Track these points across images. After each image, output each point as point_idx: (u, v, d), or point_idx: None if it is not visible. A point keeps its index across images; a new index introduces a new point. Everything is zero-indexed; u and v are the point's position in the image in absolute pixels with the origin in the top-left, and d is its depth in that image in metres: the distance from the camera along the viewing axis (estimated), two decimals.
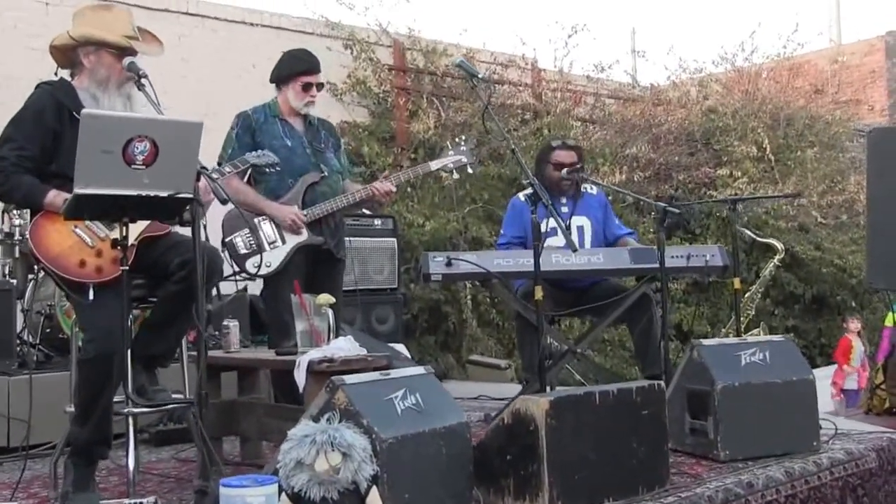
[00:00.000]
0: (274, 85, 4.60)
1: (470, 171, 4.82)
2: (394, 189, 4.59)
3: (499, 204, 8.20)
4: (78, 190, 2.63)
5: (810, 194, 9.33)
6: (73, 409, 3.32)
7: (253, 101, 4.62)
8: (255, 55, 7.45)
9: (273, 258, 4.33)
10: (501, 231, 5.09)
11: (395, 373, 2.95)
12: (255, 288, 6.07)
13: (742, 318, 5.37)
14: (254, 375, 4.12)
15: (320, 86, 4.56)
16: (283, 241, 4.37)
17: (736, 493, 3.25)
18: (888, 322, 7.54)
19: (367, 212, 6.75)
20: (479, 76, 4.01)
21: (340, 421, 2.65)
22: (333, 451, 2.55)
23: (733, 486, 3.28)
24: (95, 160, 2.60)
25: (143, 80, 3.20)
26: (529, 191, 3.90)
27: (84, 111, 2.69)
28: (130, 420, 3.41)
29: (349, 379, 2.76)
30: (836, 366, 8.57)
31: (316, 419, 2.70)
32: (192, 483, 3.69)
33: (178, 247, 3.28)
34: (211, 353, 3.87)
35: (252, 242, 4.34)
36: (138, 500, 2.97)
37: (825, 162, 10.04)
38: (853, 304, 9.89)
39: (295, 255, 4.37)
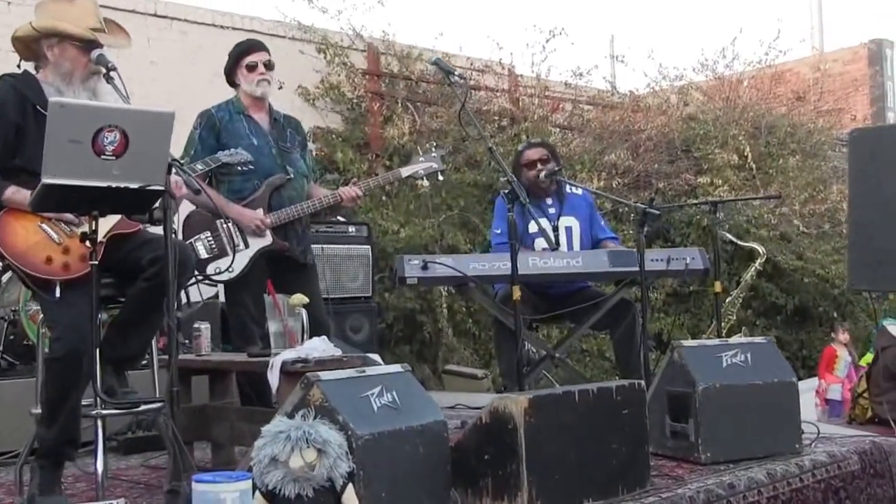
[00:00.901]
0: (234, 88, 4.63)
1: (440, 178, 4.88)
2: (361, 194, 4.62)
3: (474, 211, 8.26)
4: (45, 180, 2.65)
5: (792, 203, 9.44)
6: (39, 410, 3.33)
7: (212, 103, 4.62)
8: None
9: (235, 263, 4.32)
10: (496, 229, 5.12)
11: (371, 370, 2.98)
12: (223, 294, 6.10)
13: (723, 324, 5.43)
14: (225, 380, 4.13)
15: (268, 64, 4.56)
16: (246, 246, 4.37)
17: (717, 494, 3.29)
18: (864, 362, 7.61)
19: (341, 219, 6.78)
20: (455, 74, 4.06)
21: (315, 417, 2.67)
22: (308, 447, 2.57)
23: (715, 486, 3.32)
24: (63, 150, 2.62)
25: (111, 73, 3.22)
26: (507, 189, 3.95)
27: (52, 99, 2.72)
28: (99, 422, 3.41)
29: (325, 375, 2.79)
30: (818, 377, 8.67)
31: (290, 416, 2.72)
32: (163, 489, 3.72)
33: (149, 244, 3.30)
34: (182, 356, 3.89)
35: (213, 246, 4.34)
36: (110, 502, 2.97)
37: (807, 170, 10.17)
38: (836, 314, 10.00)
39: (258, 261, 4.38)
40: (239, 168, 4.05)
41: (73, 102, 2.83)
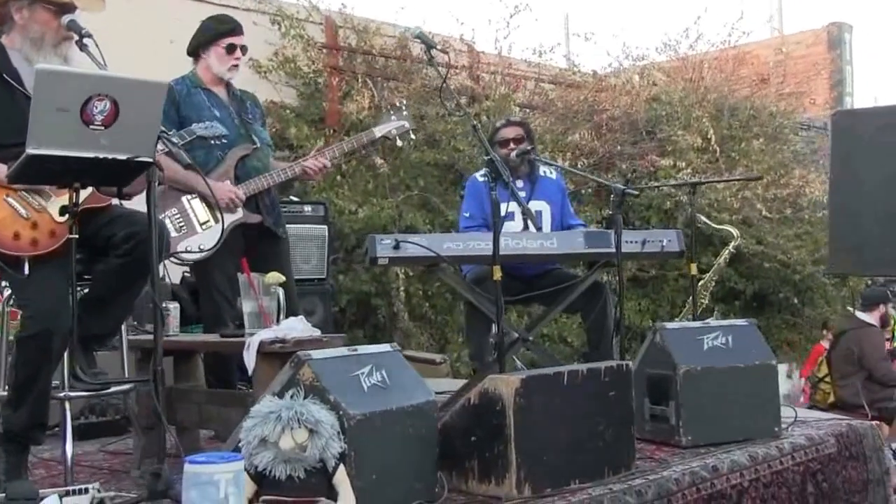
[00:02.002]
0: (192, 58, 4.60)
1: (412, 137, 4.88)
2: (328, 164, 4.64)
3: (434, 191, 8.30)
4: (31, 150, 2.62)
5: (755, 187, 9.61)
6: (5, 392, 3.31)
7: (171, 79, 4.59)
8: (173, 29, 7.36)
9: (206, 240, 4.31)
10: (465, 213, 5.15)
11: (361, 349, 3.02)
12: (177, 276, 6.06)
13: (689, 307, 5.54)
14: (192, 361, 4.12)
15: (244, 49, 4.57)
16: (217, 221, 4.35)
17: (702, 477, 3.41)
18: None
19: (295, 198, 6.78)
20: (438, 48, 4.08)
21: (306, 397, 2.71)
22: (300, 427, 2.61)
23: (699, 469, 3.44)
24: (50, 119, 2.61)
25: (85, 40, 3.20)
26: (485, 170, 3.99)
27: (39, 66, 2.70)
28: (67, 405, 3.40)
29: (315, 354, 2.81)
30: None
31: (280, 395, 2.75)
32: (130, 474, 3.72)
33: (124, 219, 3.28)
34: (147, 337, 3.89)
35: (182, 224, 4.32)
36: (82, 486, 2.97)
37: (769, 154, 10.37)
38: (795, 301, 10.23)
39: (229, 237, 4.36)
40: (213, 141, 4.03)
41: (63, 69, 2.82)
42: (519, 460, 3.00)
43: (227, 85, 4.58)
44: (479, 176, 5.14)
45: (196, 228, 4.28)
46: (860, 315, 7.92)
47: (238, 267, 4.06)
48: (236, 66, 4.50)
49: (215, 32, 4.50)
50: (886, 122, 4.29)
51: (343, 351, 2.94)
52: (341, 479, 2.65)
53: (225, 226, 4.29)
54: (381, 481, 2.76)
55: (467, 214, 5.16)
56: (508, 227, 4.92)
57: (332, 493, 2.63)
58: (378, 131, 4.78)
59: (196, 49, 4.54)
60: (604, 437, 3.27)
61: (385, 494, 2.77)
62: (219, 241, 4.22)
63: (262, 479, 2.64)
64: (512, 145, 5.11)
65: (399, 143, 4.89)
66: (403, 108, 4.80)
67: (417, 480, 2.93)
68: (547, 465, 3.08)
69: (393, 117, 4.77)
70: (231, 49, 4.48)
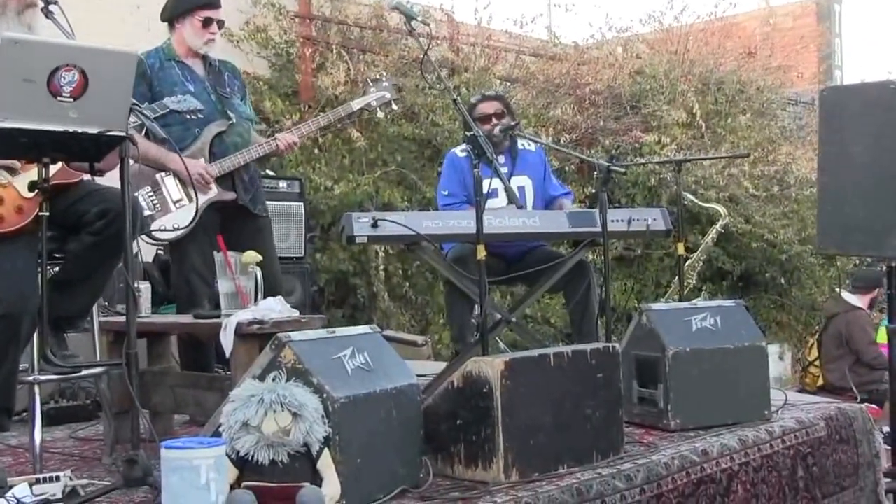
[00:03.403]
0: (167, 25, 4.58)
1: (395, 108, 4.89)
2: (297, 140, 4.64)
3: (412, 167, 8.29)
4: None
5: (742, 164, 9.66)
6: None
7: (137, 49, 4.54)
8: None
9: (180, 218, 4.30)
10: (443, 190, 5.15)
11: (341, 331, 3.02)
12: (148, 254, 6.04)
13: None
14: (164, 343, 4.11)
15: (221, 23, 4.56)
16: (190, 199, 4.35)
17: (691, 461, 3.44)
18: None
19: (270, 172, 6.76)
20: (419, 19, 4.07)
21: (288, 380, 2.71)
22: (283, 411, 2.61)
23: (689, 453, 3.48)
24: (15, 90, 2.59)
25: (51, 8, 3.18)
26: (465, 146, 3.98)
27: (4, 35, 2.67)
28: (37, 389, 3.38)
29: (296, 336, 2.82)
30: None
31: (261, 378, 2.76)
32: (101, 461, 3.71)
33: (96, 195, 3.28)
34: (119, 318, 3.88)
35: (155, 202, 4.31)
36: (53, 474, 2.96)
37: (757, 130, 10.42)
38: (782, 281, 10.31)
39: (204, 215, 4.36)
40: (188, 116, 4.02)
41: (27, 38, 2.79)
42: (506, 444, 3.02)
43: (204, 56, 4.56)
44: (459, 151, 5.13)
45: (170, 207, 4.29)
46: (847, 297, 7.99)
47: (214, 246, 4.06)
48: (213, 39, 4.49)
49: (191, 4, 4.47)
50: (877, 97, 4.31)
51: (322, 333, 2.95)
52: (326, 463, 2.66)
53: (199, 204, 4.29)
54: (365, 466, 2.77)
55: (446, 192, 5.15)
56: (492, 203, 4.93)
57: (317, 478, 2.64)
58: (356, 104, 4.78)
59: (171, 18, 4.51)
60: (592, 421, 3.30)
61: (370, 479, 2.79)
62: (193, 220, 4.25)
63: (244, 465, 2.64)
64: (494, 121, 5.11)
65: (380, 113, 4.89)
66: (384, 79, 4.79)
67: (402, 466, 2.94)
68: (535, 450, 3.11)
69: (373, 89, 4.78)
70: (207, 23, 4.46)
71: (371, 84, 4.81)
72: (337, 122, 5.05)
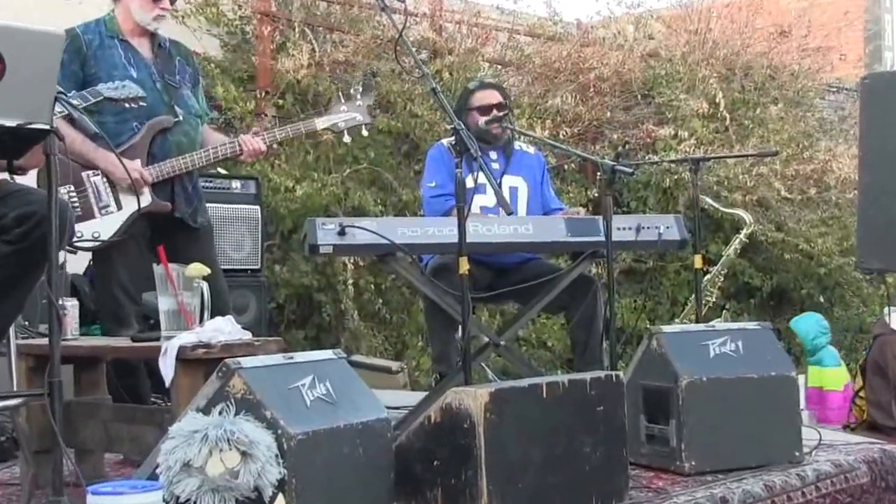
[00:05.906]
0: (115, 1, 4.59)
1: (365, 133, 4.90)
2: (264, 149, 4.65)
3: (386, 165, 8.31)
4: None
5: (773, 162, 9.69)
6: None
7: (76, 22, 4.55)
8: None
9: (104, 227, 4.31)
10: (429, 183, 5.19)
11: (299, 356, 3.06)
12: (78, 265, 6.05)
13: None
14: (95, 370, 4.13)
15: None
16: (119, 206, 4.36)
17: None
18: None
19: (222, 171, 6.77)
20: None
21: (237, 414, 2.75)
22: (231, 449, 2.64)
23: (705, 500, 3.49)
24: None
25: None
26: (453, 138, 4.02)
27: None
28: None
29: (246, 362, 2.85)
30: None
31: (205, 411, 2.79)
32: None
33: (15, 198, 3.29)
34: (41, 341, 3.90)
35: (77, 205, 4.31)
36: None
37: (790, 122, 10.45)
38: (821, 299, 10.33)
39: (134, 224, 4.38)
40: (126, 105, 4.02)
41: None
42: (491, 488, 3.05)
43: (153, 36, 4.56)
44: (446, 143, 5.18)
45: (94, 212, 4.30)
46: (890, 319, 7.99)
47: (144, 258, 4.08)
48: (163, 16, 4.49)
49: None
50: None
51: (278, 358, 2.98)
52: None
53: (127, 213, 4.30)
54: None
55: (433, 184, 5.20)
56: (479, 201, 4.96)
57: None
58: (321, 123, 4.79)
59: None
60: (590, 461, 3.34)
61: None
62: (117, 233, 4.24)
63: None
64: (496, 112, 5.18)
65: (346, 138, 4.87)
66: (357, 96, 4.79)
67: None
68: (523, 494, 3.14)
69: (343, 107, 4.77)
70: None
71: (342, 99, 4.80)
72: (297, 137, 5.02)
